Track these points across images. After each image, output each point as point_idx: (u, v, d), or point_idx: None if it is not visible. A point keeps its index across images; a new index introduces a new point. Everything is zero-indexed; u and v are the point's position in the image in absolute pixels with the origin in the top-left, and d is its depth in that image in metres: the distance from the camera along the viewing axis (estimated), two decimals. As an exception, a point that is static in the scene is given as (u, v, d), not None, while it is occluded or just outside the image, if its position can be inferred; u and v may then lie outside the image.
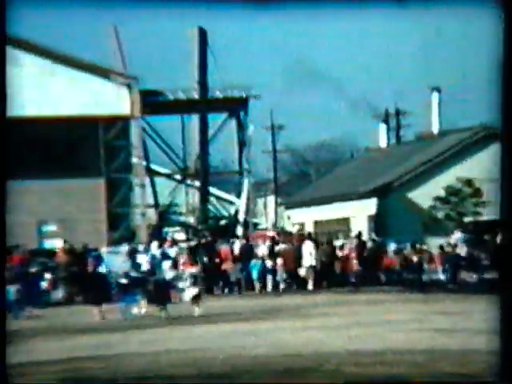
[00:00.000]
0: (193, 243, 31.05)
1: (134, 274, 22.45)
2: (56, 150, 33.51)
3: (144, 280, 22.67)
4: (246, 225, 37.87)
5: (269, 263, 29.89)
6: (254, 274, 29.80)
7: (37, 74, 32.96)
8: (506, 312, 7.54)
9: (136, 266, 23.96)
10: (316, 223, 41.92)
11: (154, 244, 27.19)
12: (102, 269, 22.55)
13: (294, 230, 36.31)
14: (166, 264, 23.56)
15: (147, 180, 37.22)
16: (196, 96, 36.73)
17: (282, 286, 29.90)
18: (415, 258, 30.61)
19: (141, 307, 21.38)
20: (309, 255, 29.35)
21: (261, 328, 17.22)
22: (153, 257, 25.47)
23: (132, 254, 24.75)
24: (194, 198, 39.53)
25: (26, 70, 32.91)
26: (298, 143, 64.75)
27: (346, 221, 39.70)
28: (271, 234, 33.98)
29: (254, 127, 39.73)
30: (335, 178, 46.61)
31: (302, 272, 29.60)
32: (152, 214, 38.51)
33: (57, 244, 29.44)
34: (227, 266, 29.81)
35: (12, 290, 22.80)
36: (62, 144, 33.67)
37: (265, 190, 57.24)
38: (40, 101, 32.70)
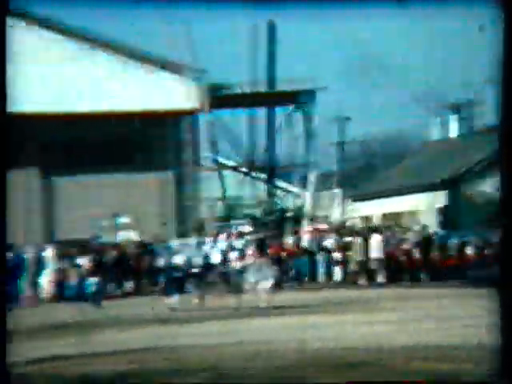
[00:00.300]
0: (259, 236, 31.52)
1: (200, 265, 23.20)
2: (127, 145, 34.43)
3: (210, 272, 23.36)
4: (311, 218, 38.14)
5: (335, 256, 30.22)
6: (320, 267, 30.17)
7: (109, 70, 33.78)
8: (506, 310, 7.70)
9: (203, 257, 24.68)
10: (384, 216, 42.01)
11: (221, 237, 27.90)
12: (171, 261, 23.35)
13: (349, 223, 36.29)
14: (233, 256, 24.23)
15: (215, 173, 37.79)
16: (263, 89, 37.00)
17: (348, 279, 30.20)
18: (484, 252, 30.57)
19: (203, 298, 22.11)
20: (376, 248, 29.62)
21: (326, 321, 17.55)
22: (220, 249, 26.21)
23: (199, 246, 25.48)
24: (261, 190, 39.97)
25: (100, 66, 33.85)
26: (365, 135, 64.65)
27: (414, 214, 39.72)
28: (323, 226, 34.19)
29: (320, 119, 39.97)
30: (403, 170, 46.56)
31: (369, 265, 29.90)
32: (219, 207, 39.12)
33: (129, 236, 30.37)
34: (293, 258, 30.24)
35: (91, 281, 23.81)
36: (133, 139, 34.55)
37: (331, 182, 57.37)
38: (112, 96, 33.53)
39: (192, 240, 27.34)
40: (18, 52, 32.47)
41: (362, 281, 29.68)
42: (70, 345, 15.48)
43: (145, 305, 22.96)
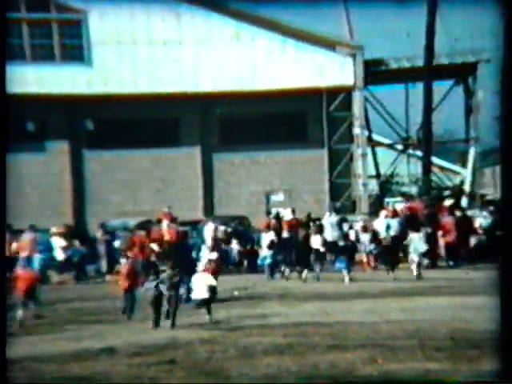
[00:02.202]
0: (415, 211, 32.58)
1: (342, 242, 25.28)
2: (283, 123, 36.55)
3: (349, 248, 25.26)
4: (472, 196, 38.59)
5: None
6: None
7: (268, 48, 35.83)
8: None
9: (346, 234, 26.62)
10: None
11: (382, 213, 29.72)
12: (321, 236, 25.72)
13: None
14: (382, 232, 26.06)
15: (369, 150, 39.00)
16: (421, 63, 37.36)
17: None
18: None
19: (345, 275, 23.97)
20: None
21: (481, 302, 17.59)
22: (377, 225, 28.15)
23: (340, 223, 27.48)
24: (417, 168, 40.72)
25: (258, 45, 35.91)
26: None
27: None
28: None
29: (483, 93, 40.11)
30: None
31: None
32: (373, 185, 40.57)
33: (284, 213, 32.52)
34: (450, 238, 30.91)
35: (267, 254, 26.49)
36: (287, 116, 36.64)
37: (493, 159, 57.19)
38: (269, 74, 35.60)
39: (333, 217, 29.22)
40: (185, 35, 35.50)
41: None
42: (234, 316, 17.27)
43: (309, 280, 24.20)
